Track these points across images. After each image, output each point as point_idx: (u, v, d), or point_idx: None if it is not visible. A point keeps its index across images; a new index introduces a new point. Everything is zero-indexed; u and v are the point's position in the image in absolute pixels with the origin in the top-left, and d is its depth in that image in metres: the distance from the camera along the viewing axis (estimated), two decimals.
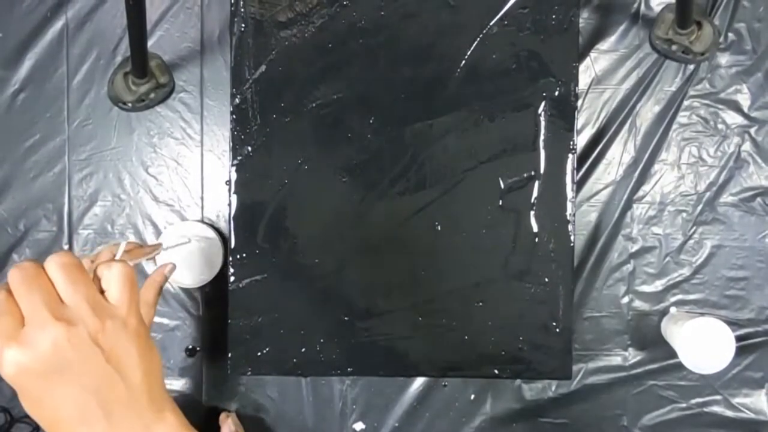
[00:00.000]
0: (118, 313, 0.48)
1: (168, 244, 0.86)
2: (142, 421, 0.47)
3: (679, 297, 0.93)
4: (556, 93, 0.82)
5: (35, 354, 0.44)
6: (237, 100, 0.83)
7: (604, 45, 0.93)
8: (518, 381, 0.93)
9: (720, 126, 0.92)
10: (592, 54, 0.93)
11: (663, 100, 0.92)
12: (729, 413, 0.92)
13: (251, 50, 0.83)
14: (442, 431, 0.95)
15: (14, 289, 0.46)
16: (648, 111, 0.92)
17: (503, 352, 0.83)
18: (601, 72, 0.93)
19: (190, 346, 0.95)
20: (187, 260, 0.90)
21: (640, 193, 0.93)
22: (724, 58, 0.92)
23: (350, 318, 0.83)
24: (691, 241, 0.92)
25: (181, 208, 0.95)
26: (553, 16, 0.82)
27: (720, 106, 0.92)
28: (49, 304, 0.45)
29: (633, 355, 0.93)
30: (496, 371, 0.83)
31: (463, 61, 0.82)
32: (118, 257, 0.57)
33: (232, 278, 0.83)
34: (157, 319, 0.94)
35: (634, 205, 0.93)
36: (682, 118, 0.92)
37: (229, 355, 0.83)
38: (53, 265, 0.47)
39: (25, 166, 0.95)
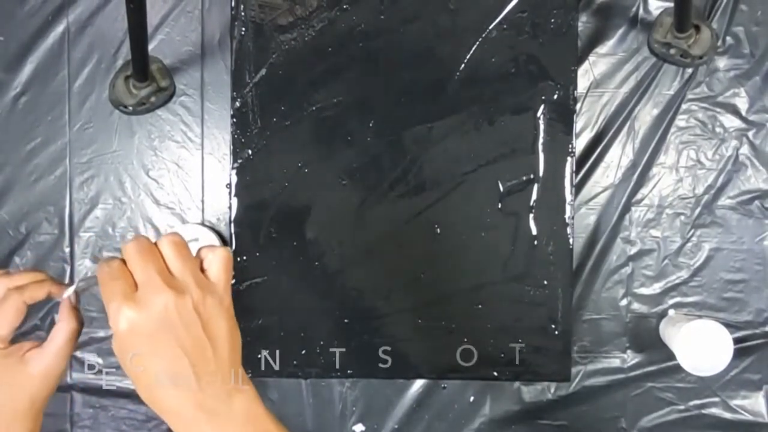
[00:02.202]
0: (217, 290, 0.53)
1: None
2: (224, 388, 0.52)
3: (678, 299, 0.93)
4: (555, 96, 0.82)
5: (148, 314, 0.49)
6: (237, 104, 0.83)
7: (603, 48, 0.93)
8: (517, 383, 0.94)
9: (718, 129, 0.92)
10: (591, 57, 0.93)
11: (661, 103, 0.93)
12: (727, 415, 0.93)
13: (252, 54, 0.83)
14: None
15: (129, 259, 0.51)
16: (646, 114, 0.93)
17: (502, 355, 0.83)
18: (600, 75, 0.93)
19: None
20: None
21: (639, 196, 0.93)
22: (722, 62, 0.92)
23: (350, 320, 0.84)
24: (690, 244, 0.93)
25: (182, 211, 0.95)
26: (552, 20, 0.82)
27: (718, 110, 0.92)
28: (162, 273, 0.50)
29: (631, 358, 0.93)
30: (495, 373, 0.84)
31: (463, 65, 0.83)
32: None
33: (232, 281, 0.83)
34: None
35: (633, 208, 0.93)
36: (680, 121, 0.93)
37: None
38: (166, 242, 0.52)
39: (26, 169, 0.95)
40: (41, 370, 0.57)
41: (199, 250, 0.55)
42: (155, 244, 0.52)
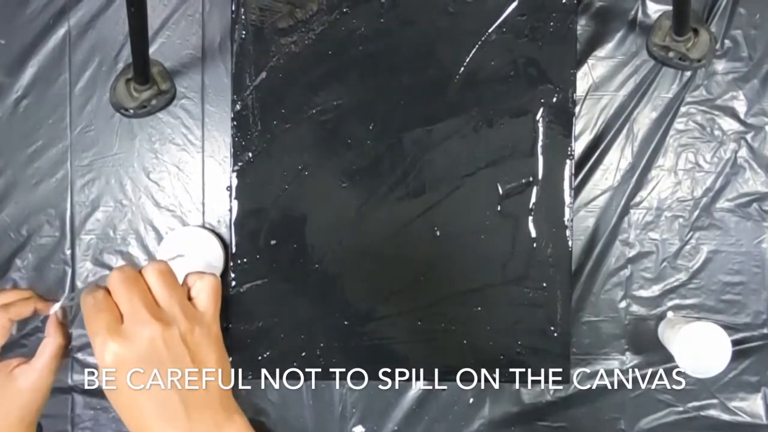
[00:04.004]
0: (205, 319, 0.52)
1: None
2: (215, 420, 0.50)
3: (676, 302, 0.93)
4: (554, 99, 0.83)
5: (134, 348, 0.48)
6: (238, 107, 0.83)
7: (602, 52, 0.93)
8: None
9: (716, 132, 0.93)
10: (590, 61, 0.93)
11: (660, 106, 0.93)
12: (725, 417, 0.93)
13: (252, 57, 0.84)
14: None
15: (114, 289, 0.50)
16: (645, 117, 0.93)
17: (502, 356, 0.84)
18: (599, 78, 0.93)
19: None
20: (188, 266, 0.91)
21: (638, 198, 0.93)
22: (720, 65, 0.93)
23: (350, 322, 0.84)
24: (688, 247, 0.93)
25: (183, 214, 0.96)
26: (551, 23, 0.83)
27: (716, 113, 0.93)
28: (147, 305, 0.49)
29: (630, 359, 0.94)
30: (494, 375, 0.84)
31: (462, 68, 0.83)
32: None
33: (233, 283, 0.84)
34: None
35: (632, 211, 0.93)
36: (678, 124, 0.93)
37: (230, 359, 0.84)
38: (151, 271, 0.51)
39: (27, 171, 0.96)
40: (29, 385, 0.57)
41: (186, 277, 0.54)
42: (140, 272, 0.51)
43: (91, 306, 0.49)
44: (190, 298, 0.53)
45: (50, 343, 0.58)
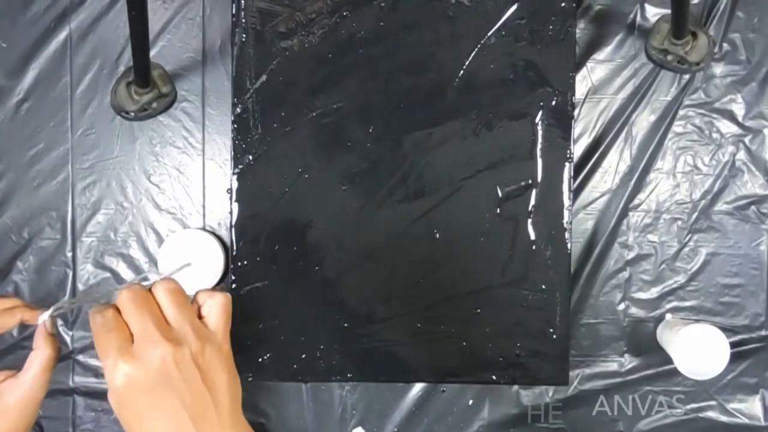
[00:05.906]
0: (215, 338, 0.51)
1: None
2: None
3: (675, 304, 0.94)
4: (553, 102, 0.83)
5: (146, 369, 0.47)
6: (238, 110, 0.84)
7: (601, 55, 0.94)
8: (516, 387, 0.94)
9: (715, 135, 0.93)
10: (589, 64, 0.94)
11: (658, 109, 0.93)
12: (724, 418, 0.93)
13: (252, 60, 0.84)
14: None
15: (124, 309, 0.49)
16: (644, 120, 0.93)
17: (501, 358, 0.84)
18: (598, 82, 0.94)
19: None
20: (189, 269, 0.91)
21: (636, 201, 0.94)
22: (718, 68, 0.93)
23: (350, 324, 0.84)
24: (687, 249, 0.93)
25: (183, 216, 0.96)
26: (550, 27, 0.83)
27: (715, 116, 0.93)
28: (158, 324, 0.49)
29: (629, 361, 0.94)
30: (493, 377, 0.84)
31: (462, 71, 0.83)
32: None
33: (233, 285, 0.84)
34: None
35: (630, 213, 0.94)
36: (677, 127, 0.93)
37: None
38: (161, 289, 0.51)
39: (28, 174, 0.96)
40: (17, 401, 0.53)
41: (197, 295, 0.54)
42: (150, 290, 0.51)
43: (101, 325, 0.49)
44: (200, 317, 0.52)
45: (39, 355, 0.54)
